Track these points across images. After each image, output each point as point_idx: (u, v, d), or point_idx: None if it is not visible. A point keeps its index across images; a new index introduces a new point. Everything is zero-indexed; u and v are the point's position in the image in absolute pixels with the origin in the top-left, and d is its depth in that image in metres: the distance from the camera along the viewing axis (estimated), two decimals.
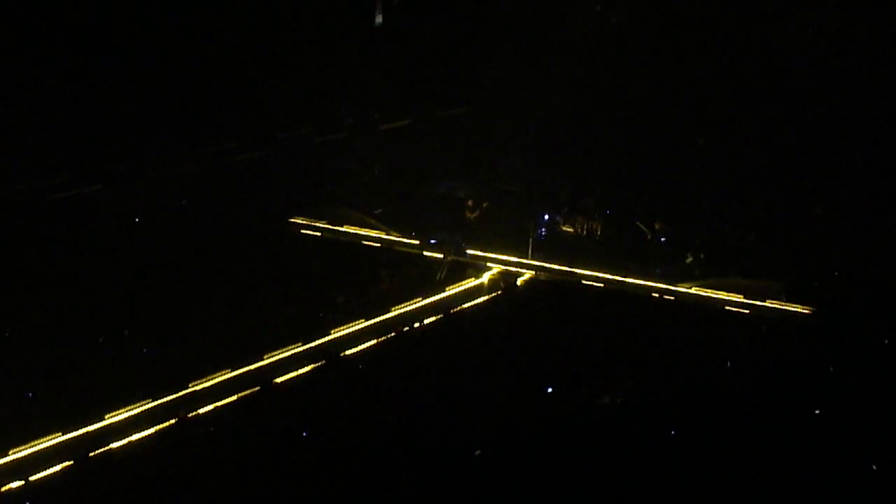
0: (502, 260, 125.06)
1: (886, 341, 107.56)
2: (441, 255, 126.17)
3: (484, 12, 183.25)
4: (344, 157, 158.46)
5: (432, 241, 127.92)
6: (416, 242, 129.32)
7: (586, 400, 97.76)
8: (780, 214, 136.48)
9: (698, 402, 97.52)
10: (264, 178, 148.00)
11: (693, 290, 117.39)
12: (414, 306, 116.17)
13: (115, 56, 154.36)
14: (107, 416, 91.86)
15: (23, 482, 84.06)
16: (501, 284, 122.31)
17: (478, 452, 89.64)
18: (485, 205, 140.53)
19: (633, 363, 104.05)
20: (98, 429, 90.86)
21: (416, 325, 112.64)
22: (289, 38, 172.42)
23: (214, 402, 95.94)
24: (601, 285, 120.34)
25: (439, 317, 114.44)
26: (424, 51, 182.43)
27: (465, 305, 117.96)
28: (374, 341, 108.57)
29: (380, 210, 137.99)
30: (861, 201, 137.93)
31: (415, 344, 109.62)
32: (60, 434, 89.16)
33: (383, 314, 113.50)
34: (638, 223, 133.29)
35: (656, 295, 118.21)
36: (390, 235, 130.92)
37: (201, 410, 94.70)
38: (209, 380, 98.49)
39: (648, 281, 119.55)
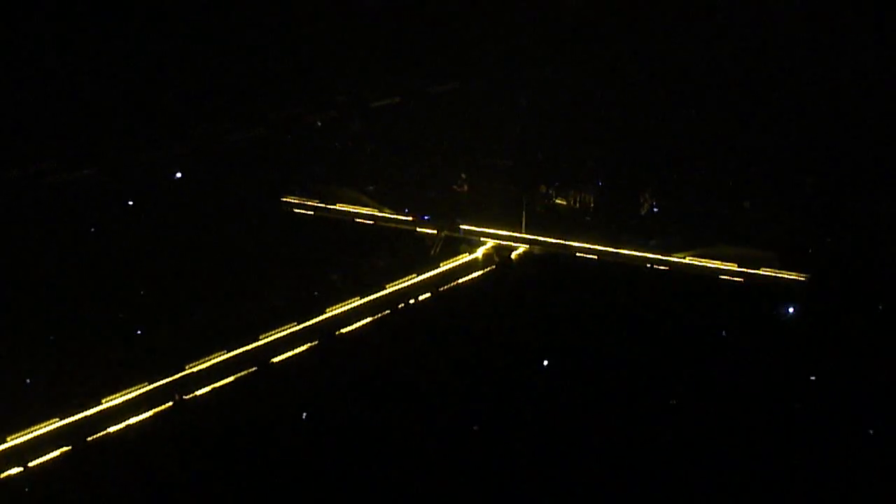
0: (496, 234, 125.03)
1: (880, 307, 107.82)
2: (434, 231, 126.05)
3: None
4: (336, 135, 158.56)
5: (426, 217, 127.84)
6: (410, 219, 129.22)
7: (582, 372, 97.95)
8: (773, 183, 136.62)
9: (694, 370, 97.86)
10: (256, 158, 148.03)
11: (687, 260, 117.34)
12: (408, 283, 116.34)
13: (105, 39, 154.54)
14: (104, 401, 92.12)
15: (21, 468, 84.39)
16: (496, 259, 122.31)
17: (476, 427, 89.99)
18: (465, 187, 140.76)
19: (629, 334, 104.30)
20: (95, 413, 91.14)
21: (412, 301, 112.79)
22: (279, 18, 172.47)
23: (211, 383, 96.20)
24: (595, 257, 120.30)
25: (434, 293, 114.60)
26: (415, 27, 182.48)
27: (460, 280, 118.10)
28: (369, 319, 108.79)
29: (372, 187, 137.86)
30: (852, 171, 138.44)
31: (410, 320, 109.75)
32: (58, 419, 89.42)
33: (378, 291, 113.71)
34: (643, 194, 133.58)
35: (650, 265, 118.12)
36: (383, 212, 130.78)
37: (198, 392, 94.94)
38: (205, 361, 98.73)
39: (642, 252, 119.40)
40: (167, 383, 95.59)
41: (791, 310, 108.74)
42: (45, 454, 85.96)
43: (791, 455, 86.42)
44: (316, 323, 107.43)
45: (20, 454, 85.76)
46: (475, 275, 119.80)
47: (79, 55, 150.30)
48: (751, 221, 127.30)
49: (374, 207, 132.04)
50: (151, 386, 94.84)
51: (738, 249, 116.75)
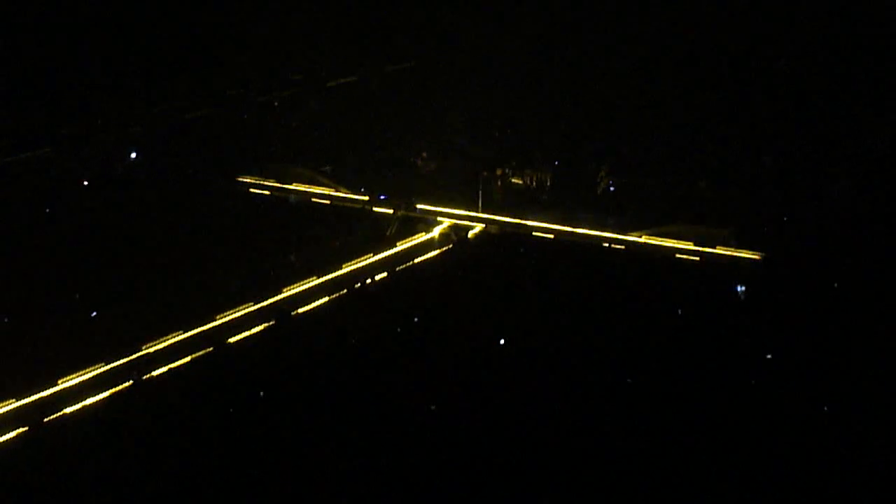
0: (452, 214, 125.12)
1: (835, 285, 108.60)
2: (391, 211, 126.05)
3: None
4: (291, 115, 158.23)
5: (382, 197, 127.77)
6: (366, 199, 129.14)
7: (538, 351, 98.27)
8: (729, 163, 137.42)
9: (650, 348, 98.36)
10: (212, 137, 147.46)
11: (643, 239, 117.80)
12: (365, 262, 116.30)
13: (58, 20, 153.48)
14: (60, 381, 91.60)
15: None
16: (452, 238, 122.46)
17: (433, 407, 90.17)
18: (432, 165, 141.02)
19: (585, 313, 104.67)
20: (52, 394, 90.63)
21: (368, 281, 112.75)
22: None
23: (168, 363, 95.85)
24: (551, 236, 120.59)
25: (391, 272, 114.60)
26: (370, 5, 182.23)
27: (417, 260, 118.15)
28: (325, 298, 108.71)
29: (328, 167, 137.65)
30: (808, 151, 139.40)
31: (367, 300, 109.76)
32: (14, 401, 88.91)
33: (334, 271, 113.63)
34: (599, 173, 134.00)
35: (607, 244, 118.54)
36: (340, 192, 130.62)
37: (155, 373, 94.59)
38: (162, 342, 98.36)
39: (598, 231, 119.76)
40: (124, 364, 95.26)
41: (746, 288, 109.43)
42: (1, 435, 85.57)
43: (747, 433, 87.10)
44: (272, 303, 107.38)
45: None
46: (432, 254, 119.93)
47: (32, 36, 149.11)
48: (707, 200, 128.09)
49: (330, 187, 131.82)
50: (108, 366, 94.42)
51: (694, 228, 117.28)
